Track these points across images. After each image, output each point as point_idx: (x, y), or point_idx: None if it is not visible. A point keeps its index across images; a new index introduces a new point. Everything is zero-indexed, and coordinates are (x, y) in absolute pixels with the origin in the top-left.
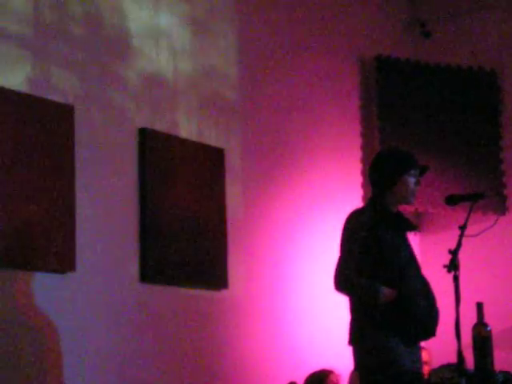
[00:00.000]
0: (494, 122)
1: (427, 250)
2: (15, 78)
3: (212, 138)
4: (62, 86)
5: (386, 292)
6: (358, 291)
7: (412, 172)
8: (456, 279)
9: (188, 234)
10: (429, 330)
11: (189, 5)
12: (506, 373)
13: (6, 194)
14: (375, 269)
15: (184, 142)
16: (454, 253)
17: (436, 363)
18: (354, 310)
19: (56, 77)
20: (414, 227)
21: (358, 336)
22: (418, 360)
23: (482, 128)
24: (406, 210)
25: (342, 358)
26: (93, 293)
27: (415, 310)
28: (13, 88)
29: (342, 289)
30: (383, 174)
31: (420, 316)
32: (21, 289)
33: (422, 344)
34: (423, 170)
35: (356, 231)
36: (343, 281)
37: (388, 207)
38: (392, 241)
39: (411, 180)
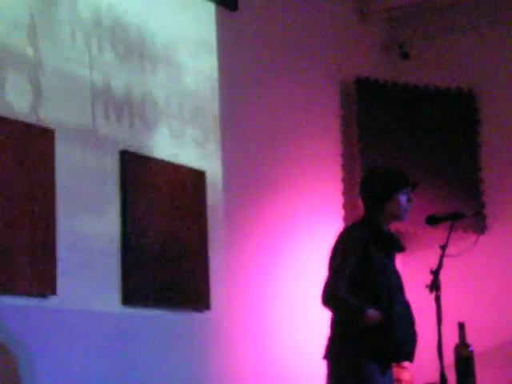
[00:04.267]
0: (472, 142)
1: (408, 270)
2: None
3: (194, 161)
4: (43, 111)
5: (371, 315)
6: (343, 309)
7: (404, 190)
8: (438, 299)
9: (170, 256)
10: (406, 357)
11: (172, 27)
12: None
13: None
14: (364, 289)
15: (165, 165)
16: (436, 273)
17: (418, 383)
18: (335, 326)
19: (37, 101)
20: (402, 248)
21: (335, 353)
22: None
23: (461, 148)
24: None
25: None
26: (74, 316)
27: (396, 335)
28: None
29: (329, 304)
30: (374, 193)
31: (399, 342)
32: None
33: (405, 364)
34: (413, 186)
35: (350, 247)
36: (331, 296)
37: (381, 226)
38: (383, 262)
39: (403, 198)
